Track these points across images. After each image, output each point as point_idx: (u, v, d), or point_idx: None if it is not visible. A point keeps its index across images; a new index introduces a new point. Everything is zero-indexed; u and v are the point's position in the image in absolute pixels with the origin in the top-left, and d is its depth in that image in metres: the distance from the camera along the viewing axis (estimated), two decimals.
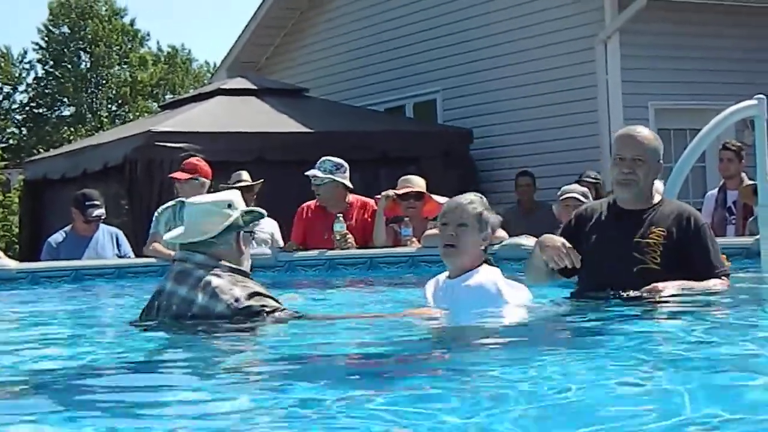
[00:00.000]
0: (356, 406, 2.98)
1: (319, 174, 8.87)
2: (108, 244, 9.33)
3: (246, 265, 4.96)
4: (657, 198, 5.37)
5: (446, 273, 5.27)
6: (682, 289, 5.01)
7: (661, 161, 5.30)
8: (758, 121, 6.96)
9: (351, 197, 9.06)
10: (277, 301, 4.88)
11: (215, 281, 4.81)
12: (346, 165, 8.98)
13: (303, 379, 3.43)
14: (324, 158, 8.99)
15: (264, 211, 5.08)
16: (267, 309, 4.77)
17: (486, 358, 3.93)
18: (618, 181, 5.27)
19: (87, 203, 9.22)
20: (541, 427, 2.75)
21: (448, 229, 5.10)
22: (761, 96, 6.94)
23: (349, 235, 8.70)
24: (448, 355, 4.22)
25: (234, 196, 5.04)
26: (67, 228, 9.47)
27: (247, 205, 5.19)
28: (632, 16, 12.48)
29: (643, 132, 5.33)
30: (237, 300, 4.74)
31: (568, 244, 5.12)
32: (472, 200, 5.21)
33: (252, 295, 4.78)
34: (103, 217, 9.35)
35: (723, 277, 5.18)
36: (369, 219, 8.99)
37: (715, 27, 13.21)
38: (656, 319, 4.68)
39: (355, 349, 4.34)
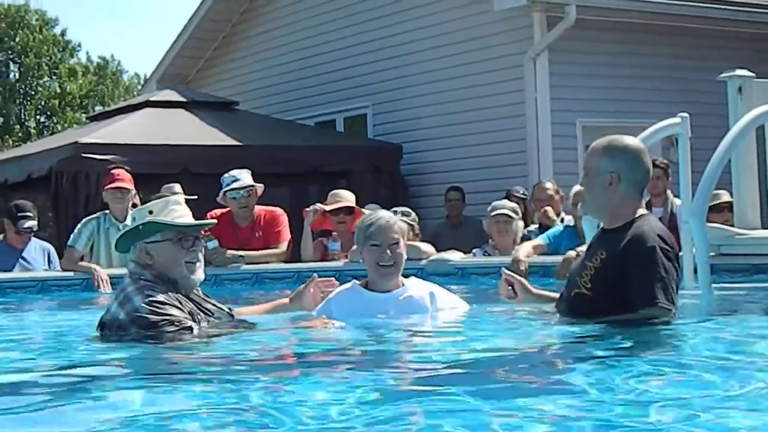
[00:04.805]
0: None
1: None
2: (39, 258, 9.22)
3: (178, 273, 4.82)
4: (638, 214, 4.87)
5: (356, 287, 5.34)
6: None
7: (614, 172, 4.77)
8: (681, 138, 7.04)
9: (258, 209, 9.06)
10: (193, 316, 4.75)
11: (129, 288, 4.76)
12: None
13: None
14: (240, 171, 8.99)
15: (161, 220, 4.86)
16: (166, 320, 4.62)
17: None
18: None
19: (19, 214, 9.11)
20: None
21: (383, 250, 5.19)
22: (684, 114, 7.02)
23: (225, 250, 8.69)
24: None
25: (152, 206, 4.94)
26: None
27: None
28: (561, 34, 12.58)
29: (599, 142, 4.92)
30: (136, 309, 4.65)
31: (507, 274, 5.34)
32: (392, 217, 5.36)
33: (152, 303, 4.65)
34: (35, 229, 9.24)
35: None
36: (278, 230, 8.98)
37: (641, 46, 13.37)
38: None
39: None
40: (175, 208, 4.91)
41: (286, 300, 5.55)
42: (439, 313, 5.28)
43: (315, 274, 5.57)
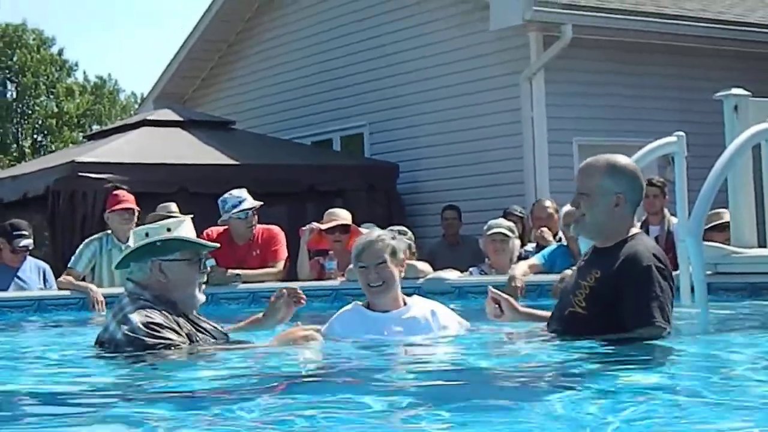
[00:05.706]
0: None
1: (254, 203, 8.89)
2: (35, 277, 9.18)
3: (187, 294, 4.84)
4: (631, 232, 4.85)
5: (358, 307, 5.36)
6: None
7: (621, 194, 4.76)
8: (678, 157, 7.05)
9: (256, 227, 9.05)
10: (191, 338, 4.75)
11: (128, 308, 4.74)
12: None
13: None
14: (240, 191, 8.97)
15: (187, 237, 4.92)
16: (162, 344, 4.60)
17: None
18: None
19: (14, 233, 9.08)
20: None
21: (369, 271, 5.22)
22: (681, 133, 7.03)
23: (224, 270, 8.67)
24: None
25: (170, 224, 4.93)
26: None
27: None
28: (557, 54, 12.60)
29: (597, 162, 4.85)
30: (133, 330, 4.63)
31: (493, 292, 5.28)
32: (379, 235, 5.38)
33: (149, 325, 4.63)
34: (30, 248, 9.22)
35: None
36: (275, 249, 8.97)
37: (637, 65, 13.39)
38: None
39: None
40: (187, 227, 4.93)
41: (260, 315, 5.58)
42: (440, 331, 5.26)
43: (283, 289, 5.60)
